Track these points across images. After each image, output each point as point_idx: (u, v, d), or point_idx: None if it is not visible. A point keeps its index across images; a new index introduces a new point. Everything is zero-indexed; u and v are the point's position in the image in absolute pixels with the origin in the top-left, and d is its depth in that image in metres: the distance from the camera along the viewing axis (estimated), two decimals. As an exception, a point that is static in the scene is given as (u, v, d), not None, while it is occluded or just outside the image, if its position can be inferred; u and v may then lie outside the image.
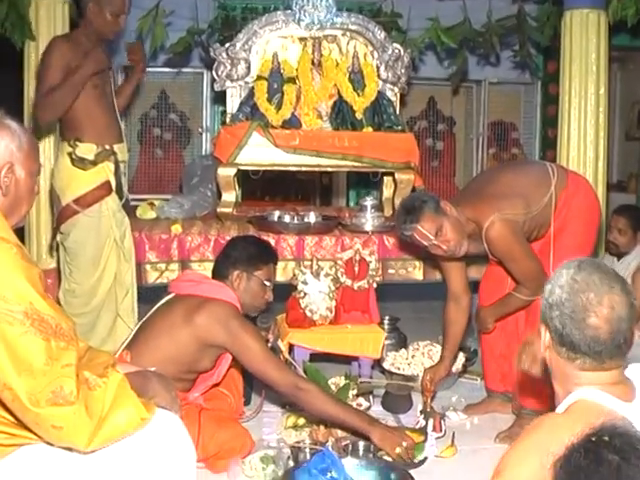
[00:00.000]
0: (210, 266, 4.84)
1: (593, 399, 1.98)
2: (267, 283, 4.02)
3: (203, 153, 8.18)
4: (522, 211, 4.03)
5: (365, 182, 8.65)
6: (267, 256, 4.07)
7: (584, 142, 5.73)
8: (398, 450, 3.63)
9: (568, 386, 2.08)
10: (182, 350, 3.66)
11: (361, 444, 3.77)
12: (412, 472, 3.42)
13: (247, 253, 3.96)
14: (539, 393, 4.08)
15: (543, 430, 1.94)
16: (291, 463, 3.60)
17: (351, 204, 8.79)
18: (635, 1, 5.51)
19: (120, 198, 4.66)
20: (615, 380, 2.05)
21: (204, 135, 8.53)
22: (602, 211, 4.61)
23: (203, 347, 3.69)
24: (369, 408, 4.37)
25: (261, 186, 8.80)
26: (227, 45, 5.44)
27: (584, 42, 5.67)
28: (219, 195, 5.39)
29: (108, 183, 4.56)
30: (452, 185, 8.92)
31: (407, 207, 4.09)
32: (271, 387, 3.75)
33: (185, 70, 8.29)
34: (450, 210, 4.03)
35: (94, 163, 4.48)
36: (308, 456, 3.61)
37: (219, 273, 3.95)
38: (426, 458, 3.80)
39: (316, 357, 4.67)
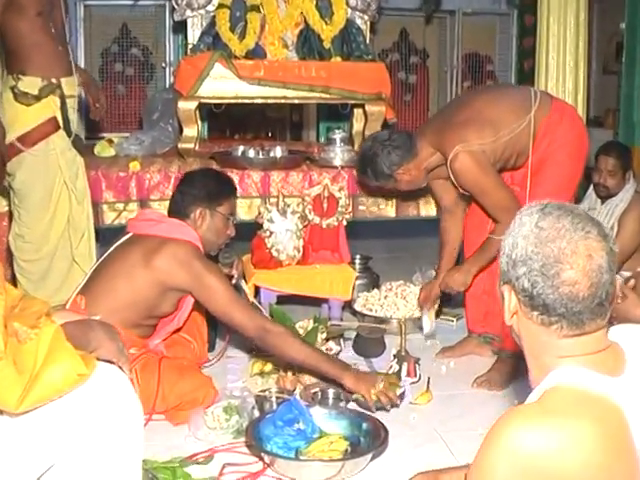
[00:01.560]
0: (171, 204, 4.62)
1: (574, 384, 1.62)
2: (230, 217, 3.76)
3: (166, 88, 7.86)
4: (490, 139, 3.78)
5: (336, 115, 8.37)
6: (228, 189, 3.80)
7: (563, 73, 5.45)
8: (374, 392, 3.42)
9: (544, 360, 1.71)
10: (141, 294, 3.43)
11: (331, 392, 3.55)
12: (385, 421, 3.21)
13: (206, 189, 3.67)
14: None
15: (509, 434, 1.58)
16: (256, 413, 3.37)
17: (321, 139, 8.53)
18: None
19: (68, 135, 4.34)
20: (599, 346, 1.69)
21: (167, 69, 8.24)
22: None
23: (164, 291, 3.45)
24: (339, 352, 4.14)
25: (229, 124, 8.59)
26: (187, -29, 5.10)
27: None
28: (180, 130, 5.10)
29: (54, 119, 4.23)
30: (426, 119, 8.65)
31: (362, 157, 4.06)
32: (237, 331, 3.54)
33: (147, 2, 7.95)
34: (405, 174, 3.97)
35: (38, 98, 4.15)
36: (274, 406, 3.39)
37: (177, 212, 3.66)
38: (404, 392, 3.60)
39: (283, 299, 4.46)
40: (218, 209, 3.67)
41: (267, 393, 3.50)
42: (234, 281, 4.04)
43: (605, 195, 5.10)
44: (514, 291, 1.71)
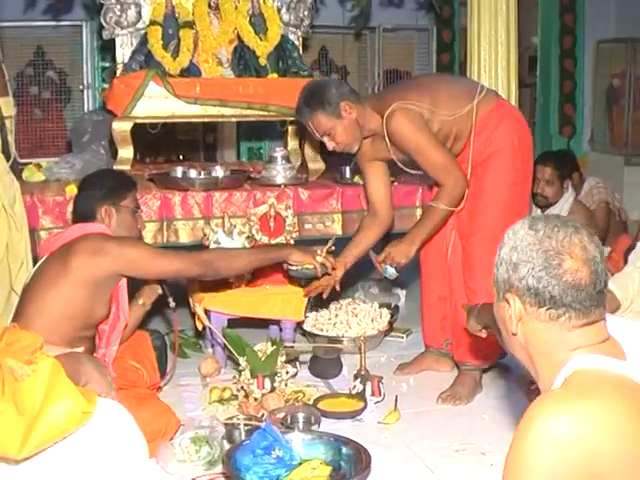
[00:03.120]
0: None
1: (592, 367, 1.68)
2: (137, 209, 3.73)
3: (85, 111, 7.65)
4: (427, 106, 3.75)
5: (257, 135, 8.31)
6: (127, 183, 3.73)
7: (495, 86, 5.41)
8: (320, 260, 3.76)
9: (556, 356, 1.75)
10: (72, 302, 3.28)
11: (300, 415, 3.47)
12: (362, 442, 3.11)
13: (106, 187, 3.60)
14: (482, 346, 3.85)
15: (547, 423, 1.59)
16: (226, 443, 3.24)
17: (243, 159, 8.42)
18: None
19: (7, 159, 4.13)
20: (604, 336, 1.77)
21: (85, 92, 8.02)
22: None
23: (92, 289, 3.31)
24: (296, 374, 4.04)
25: (138, 147, 8.30)
26: (115, -12, 4.94)
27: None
28: (114, 152, 4.92)
29: None
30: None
31: (306, 96, 3.89)
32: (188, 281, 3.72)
33: (63, 23, 7.75)
34: (349, 112, 3.81)
35: None
36: (244, 434, 3.26)
37: (83, 217, 3.57)
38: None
39: (233, 322, 4.32)
40: (122, 204, 3.61)
41: (235, 420, 3.37)
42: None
43: (544, 204, 5.13)
44: (517, 295, 1.78)
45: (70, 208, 4.36)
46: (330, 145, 3.88)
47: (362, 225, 4.16)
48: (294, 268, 3.81)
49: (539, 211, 5.17)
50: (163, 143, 8.07)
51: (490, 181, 3.84)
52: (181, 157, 8.72)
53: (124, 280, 3.47)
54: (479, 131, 3.82)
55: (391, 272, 3.83)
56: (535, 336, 1.78)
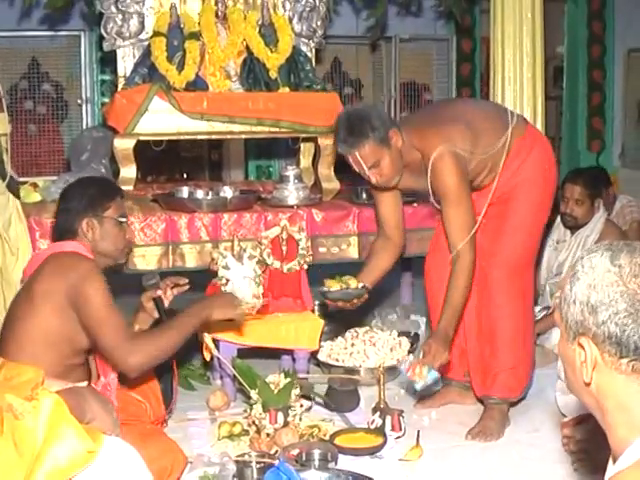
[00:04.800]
0: (114, 253, 4.46)
1: None
2: (122, 219, 3.55)
3: (84, 127, 7.66)
4: (469, 147, 3.79)
5: (267, 153, 8.31)
6: (110, 190, 3.59)
7: (520, 101, 5.48)
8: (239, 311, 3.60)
9: (635, 417, 1.61)
10: (49, 330, 3.20)
11: (316, 452, 3.44)
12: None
13: (87, 196, 3.45)
14: (508, 378, 3.94)
15: None
16: (237, 482, 3.22)
17: (251, 178, 8.42)
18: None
19: (2, 178, 4.15)
20: None
21: (84, 107, 8.01)
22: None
23: (65, 314, 3.20)
24: (311, 408, 4.02)
25: (142, 166, 8.25)
26: (116, -3, 4.97)
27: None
28: (116, 171, 4.93)
29: None
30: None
31: (352, 126, 3.73)
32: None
33: (60, 33, 7.78)
34: (396, 141, 3.77)
35: None
36: (256, 472, 3.24)
37: (64, 233, 3.43)
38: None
39: (243, 352, 4.31)
40: (106, 214, 3.47)
41: (246, 457, 3.35)
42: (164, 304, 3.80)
43: (573, 225, 5.12)
44: (594, 341, 1.62)
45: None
46: (375, 179, 3.79)
47: (374, 249, 4.17)
48: (327, 289, 3.82)
49: (568, 232, 5.16)
50: (166, 161, 8.06)
51: (519, 206, 3.92)
52: (185, 176, 8.74)
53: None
54: (511, 161, 3.90)
55: (434, 376, 3.64)
56: (612, 388, 1.64)
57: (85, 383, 2.37)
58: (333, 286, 3.89)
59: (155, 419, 3.76)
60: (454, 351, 4.20)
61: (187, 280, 3.79)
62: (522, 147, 3.92)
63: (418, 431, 3.73)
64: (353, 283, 3.95)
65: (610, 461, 1.68)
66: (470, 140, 3.79)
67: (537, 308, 5.10)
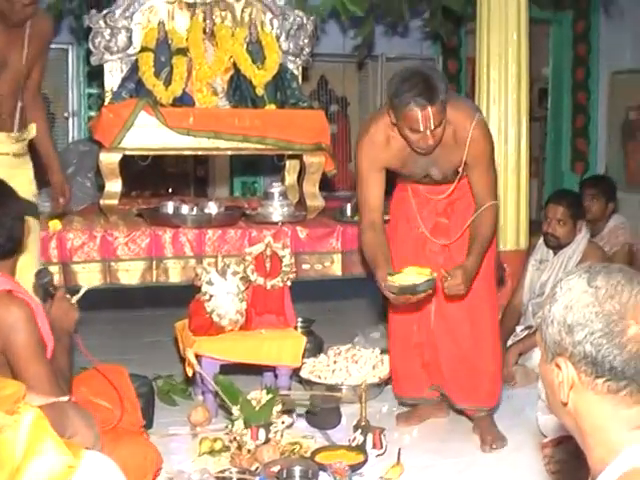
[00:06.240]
0: (96, 267, 4.46)
1: None
2: None
3: (70, 140, 7.66)
4: None
5: (252, 169, 8.32)
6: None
7: (505, 120, 5.53)
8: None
9: (611, 435, 1.62)
10: None
11: (297, 469, 3.45)
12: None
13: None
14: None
15: None
16: (217, 498, 3.24)
17: (236, 194, 8.43)
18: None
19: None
20: None
21: (70, 120, 8.03)
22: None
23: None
24: (292, 425, 4.03)
25: (127, 180, 8.18)
26: (105, 12, 4.99)
27: (503, 8, 5.46)
28: (101, 185, 4.94)
29: None
30: (347, 171, 8.64)
31: (429, 81, 3.60)
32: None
33: (48, 46, 7.76)
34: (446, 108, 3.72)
35: None
36: (236, 488, 3.26)
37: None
38: None
39: (225, 368, 4.32)
40: None
41: (227, 474, 3.36)
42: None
43: (555, 245, 5.16)
44: (571, 361, 1.64)
45: (53, 244, 4.41)
46: (431, 141, 3.67)
47: (376, 242, 3.92)
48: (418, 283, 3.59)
49: (551, 253, 5.20)
50: (151, 175, 8.00)
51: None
52: (170, 191, 8.72)
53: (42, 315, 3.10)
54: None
55: None
56: (588, 408, 1.65)
57: (66, 398, 2.37)
58: (417, 278, 3.64)
59: (131, 425, 3.71)
60: (415, 366, 4.23)
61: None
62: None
63: (399, 449, 3.74)
64: (425, 271, 3.70)
65: None
66: None
67: (519, 328, 5.14)
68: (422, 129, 3.62)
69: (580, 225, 5.17)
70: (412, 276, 3.64)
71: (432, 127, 3.62)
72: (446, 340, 4.09)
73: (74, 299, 3.35)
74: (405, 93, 3.57)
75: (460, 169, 3.90)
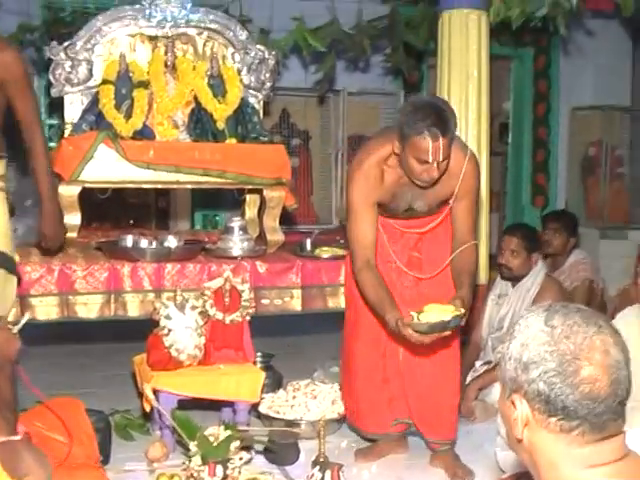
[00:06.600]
0: (54, 300, 4.43)
1: None
2: None
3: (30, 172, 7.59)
4: None
5: (214, 202, 8.33)
6: None
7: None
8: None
9: (565, 473, 1.65)
10: None
11: (255, 504, 3.43)
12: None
13: None
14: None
15: None
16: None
17: (197, 226, 8.43)
18: (520, 1, 5.40)
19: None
20: (622, 452, 1.65)
21: (30, 151, 7.91)
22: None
23: None
24: (250, 461, 4.02)
25: (87, 211, 8.08)
26: (66, 44, 4.99)
27: (464, 45, 5.53)
28: (60, 218, 4.91)
29: None
30: (310, 205, 8.68)
31: (444, 113, 3.63)
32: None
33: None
34: None
35: None
36: (193, 525, 3.23)
37: None
38: None
39: (183, 403, 4.29)
40: None
41: (183, 511, 3.34)
42: None
43: (509, 277, 5.22)
44: (526, 398, 1.67)
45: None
46: (436, 173, 3.66)
47: (375, 283, 3.83)
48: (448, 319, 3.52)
49: (510, 286, 5.25)
50: (112, 206, 7.97)
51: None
52: (132, 222, 8.68)
53: None
54: None
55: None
56: (542, 446, 1.68)
57: (19, 437, 2.35)
58: (444, 315, 3.56)
59: (87, 460, 3.67)
60: (382, 402, 4.24)
61: None
62: None
63: (357, 486, 3.75)
64: (447, 308, 3.62)
65: None
66: None
67: (478, 363, 5.17)
68: (430, 160, 3.60)
69: (536, 258, 5.23)
70: (435, 313, 3.56)
71: (440, 159, 3.62)
72: (414, 374, 4.11)
73: (15, 329, 3.28)
74: (419, 122, 3.56)
75: (451, 201, 3.90)
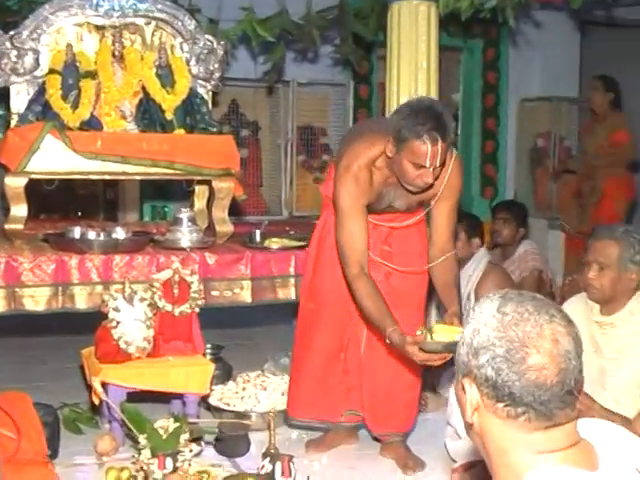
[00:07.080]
0: (0, 293, 4.39)
1: None
2: None
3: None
4: None
5: (161, 194, 8.29)
6: None
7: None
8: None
9: (514, 458, 1.66)
10: None
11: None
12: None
13: None
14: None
15: None
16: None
17: (146, 218, 8.38)
18: (470, -9, 5.44)
19: None
20: (572, 440, 1.67)
21: (-25, 143, 7.82)
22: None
23: None
24: (200, 453, 4.03)
25: (34, 203, 8.04)
26: (12, 33, 4.93)
27: (413, 36, 5.55)
28: (6, 210, 4.87)
29: None
30: (259, 196, 8.66)
31: (443, 117, 3.61)
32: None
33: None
34: None
35: None
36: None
37: None
38: None
39: (132, 396, 4.29)
40: None
41: (133, 504, 3.34)
42: None
43: None
44: (475, 383, 1.69)
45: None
46: (431, 178, 3.64)
47: (372, 293, 3.78)
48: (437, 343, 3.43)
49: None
50: (60, 197, 7.91)
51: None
52: (80, 214, 8.62)
53: None
54: None
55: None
56: (492, 431, 1.70)
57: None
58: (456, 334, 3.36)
59: (35, 455, 3.67)
60: (339, 393, 4.27)
61: None
62: None
63: (308, 476, 3.78)
64: (453, 328, 3.51)
65: None
66: None
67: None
68: (428, 165, 3.58)
69: (477, 244, 5.30)
70: (445, 333, 3.46)
71: (437, 164, 3.60)
72: (373, 367, 4.15)
73: None
74: (418, 126, 3.53)
75: (433, 201, 3.91)
